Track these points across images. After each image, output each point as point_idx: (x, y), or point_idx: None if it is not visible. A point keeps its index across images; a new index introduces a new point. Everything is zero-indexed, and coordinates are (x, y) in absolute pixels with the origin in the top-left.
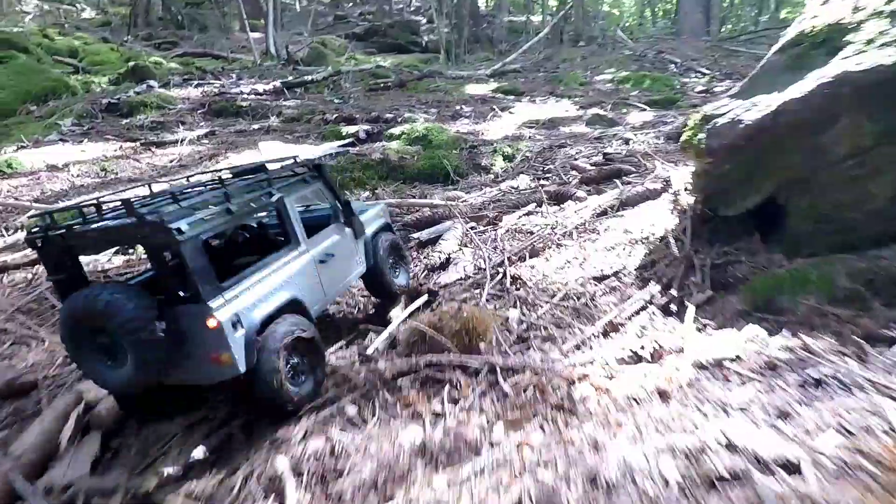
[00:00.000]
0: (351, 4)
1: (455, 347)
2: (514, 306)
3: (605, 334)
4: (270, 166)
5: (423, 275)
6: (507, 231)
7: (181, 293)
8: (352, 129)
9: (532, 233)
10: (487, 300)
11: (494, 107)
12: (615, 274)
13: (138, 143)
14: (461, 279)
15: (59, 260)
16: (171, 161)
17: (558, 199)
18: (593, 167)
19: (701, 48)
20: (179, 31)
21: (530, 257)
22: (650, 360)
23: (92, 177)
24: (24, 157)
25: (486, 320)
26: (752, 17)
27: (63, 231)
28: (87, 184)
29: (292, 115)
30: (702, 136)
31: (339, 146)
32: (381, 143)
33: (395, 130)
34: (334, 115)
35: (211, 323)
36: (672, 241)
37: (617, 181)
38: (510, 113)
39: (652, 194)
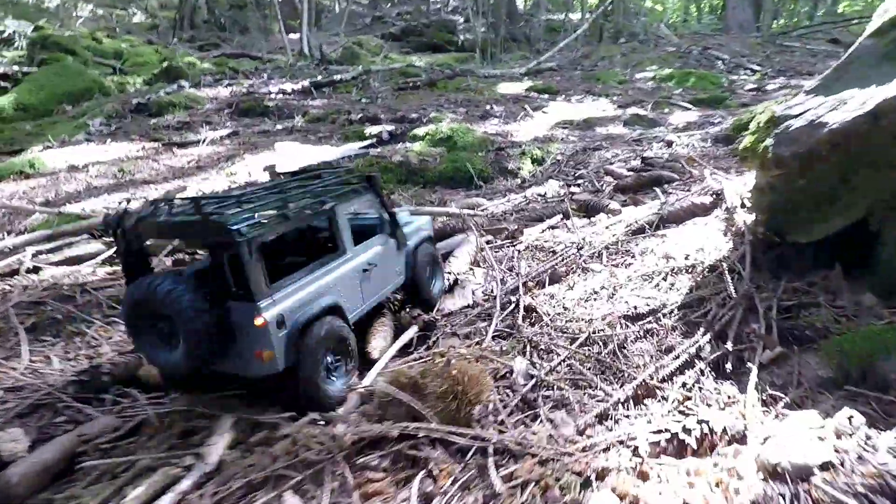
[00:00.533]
0: (389, 5)
1: (438, 415)
2: (524, 351)
3: (637, 400)
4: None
5: None
6: (527, 248)
7: (235, 290)
8: (375, 129)
9: (555, 252)
10: (493, 338)
11: (527, 106)
12: (652, 313)
13: (160, 144)
14: (468, 307)
15: (128, 246)
16: (189, 162)
17: (588, 210)
18: (630, 173)
19: (750, 44)
20: (222, 34)
21: (550, 283)
22: (697, 448)
23: (109, 178)
24: (49, 157)
25: (481, 381)
26: (807, 12)
27: (137, 219)
28: (102, 185)
29: (317, 115)
30: (769, 141)
31: (360, 147)
32: (404, 144)
33: (419, 131)
34: (359, 115)
35: (258, 321)
36: (726, 272)
37: (657, 190)
38: (543, 113)
39: (699, 210)
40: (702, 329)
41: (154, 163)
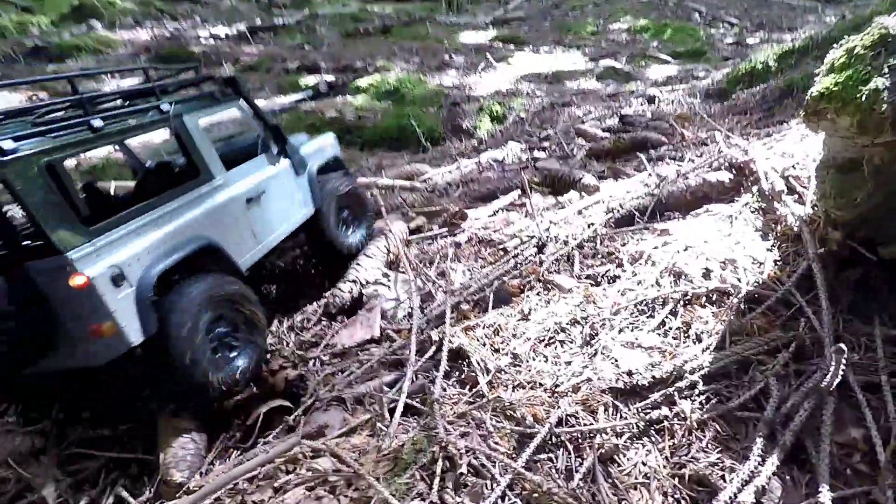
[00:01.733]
0: None
1: None
2: (434, 461)
3: None
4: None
5: (315, 323)
6: (470, 240)
7: (28, 243)
8: (312, 79)
9: (506, 250)
10: (401, 418)
11: (489, 56)
12: (659, 385)
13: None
14: (370, 341)
15: None
16: None
17: (555, 184)
18: (606, 134)
19: None
20: None
21: (495, 304)
22: None
23: None
24: None
25: None
26: None
27: None
28: None
29: (250, 64)
30: (880, 81)
31: (291, 101)
32: (344, 97)
33: (363, 82)
34: (296, 64)
35: (76, 281)
36: (780, 307)
37: (642, 157)
38: (508, 64)
39: (715, 191)
40: (759, 438)
41: None
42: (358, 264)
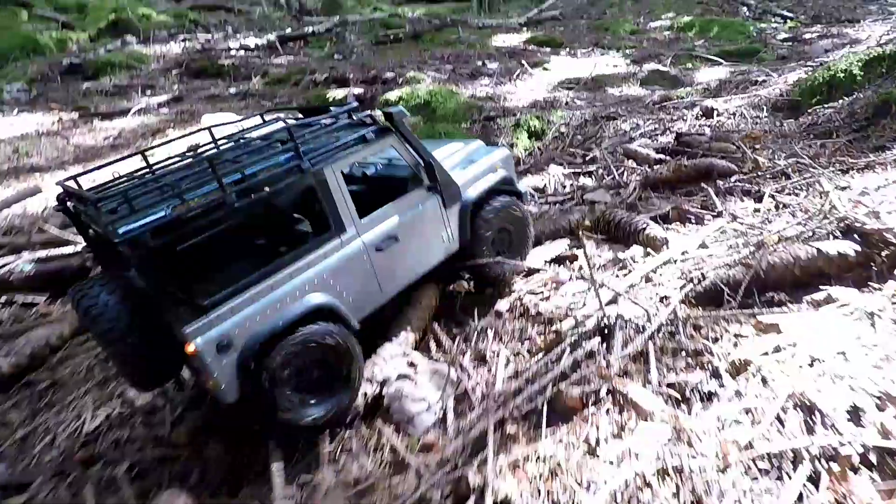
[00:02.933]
0: None
1: None
2: None
3: None
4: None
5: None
6: (512, 310)
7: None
8: (341, 92)
9: (559, 333)
10: None
11: (524, 63)
12: None
13: (79, 114)
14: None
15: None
16: (106, 139)
17: (611, 230)
18: (660, 156)
19: None
20: None
21: (549, 423)
22: None
23: None
24: None
25: None
26: None
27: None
28: None
29: (279, 76)
30: None
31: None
32: (373, 111)
33: (392, 95)
34: (325, 76)
35: (189, 349)
36: None
37: (711, 192)
38: (544, 69)
39: (833, 266)
40: None
41: (62, 140)
42: (377, 353)
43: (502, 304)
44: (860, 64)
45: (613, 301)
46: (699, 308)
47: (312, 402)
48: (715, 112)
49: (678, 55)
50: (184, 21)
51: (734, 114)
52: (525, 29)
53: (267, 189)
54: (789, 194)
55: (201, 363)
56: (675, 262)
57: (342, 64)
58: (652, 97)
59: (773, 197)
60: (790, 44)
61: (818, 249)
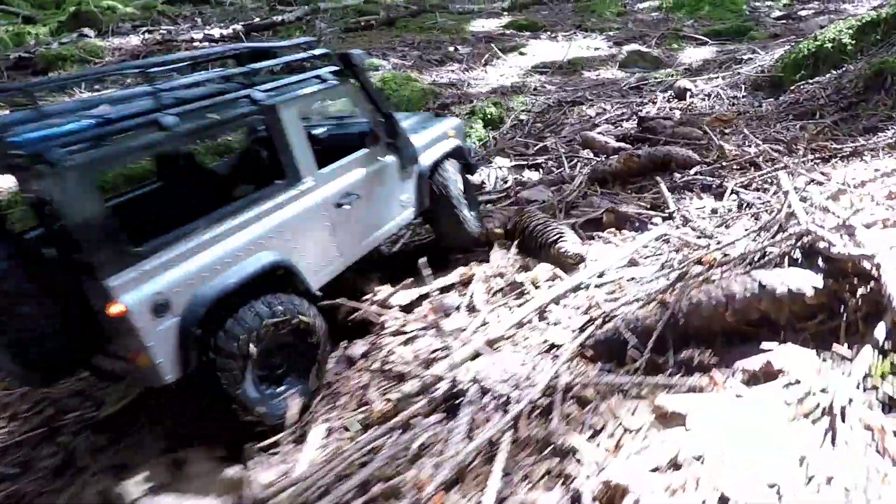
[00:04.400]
0: None
1: None
2: None
3: None
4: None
5: None
6: (367, 356)
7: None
8: None
9: (396, 406)
10: None
11: (494, 46)
12: None
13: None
14: None
15: None
16: None
17: (525, 239)
18: (619, 144)
19: None
20: None
21: None
22: None
23: None
24: None
25: None
26: None
27: None
28: None
29: None
30: None
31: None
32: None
33: None
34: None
35: (113, 310)
36: None
37: (663, 187)
38: (520, 54)
39: (781, 311)
40: None
41: None
42: None
43: (357, 348)
44: (851, 31)
45: (476, 357)
46: (594, 365)
47: (278, 391)
48: (688, 93)
49: (664, 36)
50: (151, 13)
51: (709, 94)
52: (506, 14)
53: (213, 116)
54: (757, 189)
55: (130, 329)
56: (587, 287)
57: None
58: (629, 80)
59: (736, 193)
60: (784, 21)
61: (760, 284)
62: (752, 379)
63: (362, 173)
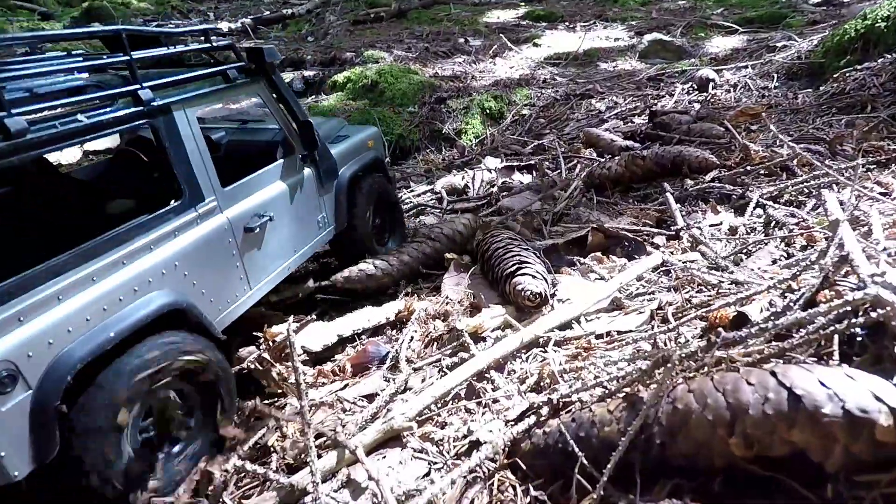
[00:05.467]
0: None
1: None
2: None
3: None
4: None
5: None
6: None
7: None
8: (288, 77)
9: None
10: None
11: (503, 37)
12: None
13: None
14: None
15: None
16: None
17: (484, 268)
18: (629, 142)
19: None
20: None
21: None
22: None
23: None
24: None
25: None
26: None
27: None
28: None
29: None
30: None
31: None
32: (318, 96)
33: (341, 77)
34: (279, 59)
35: None
36: None
37: (669, 198)
38: (535, 46)
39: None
40: None
41: None
42: None
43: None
44: None
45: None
46: (526, 486)
47: (176, 450)
48: (711, 84)
49: (690, 25)
50: (166, 7)
51: (735, 85)
52: (524, 4)
53: (81, 118)
54: (790, 203)
55: None
56: (545, 346)
57: (311, 45)
58: (648, 71)
59: (762, 207)
60: (824, 7)
61: (792, 392)
62: None
63: (275, 190)
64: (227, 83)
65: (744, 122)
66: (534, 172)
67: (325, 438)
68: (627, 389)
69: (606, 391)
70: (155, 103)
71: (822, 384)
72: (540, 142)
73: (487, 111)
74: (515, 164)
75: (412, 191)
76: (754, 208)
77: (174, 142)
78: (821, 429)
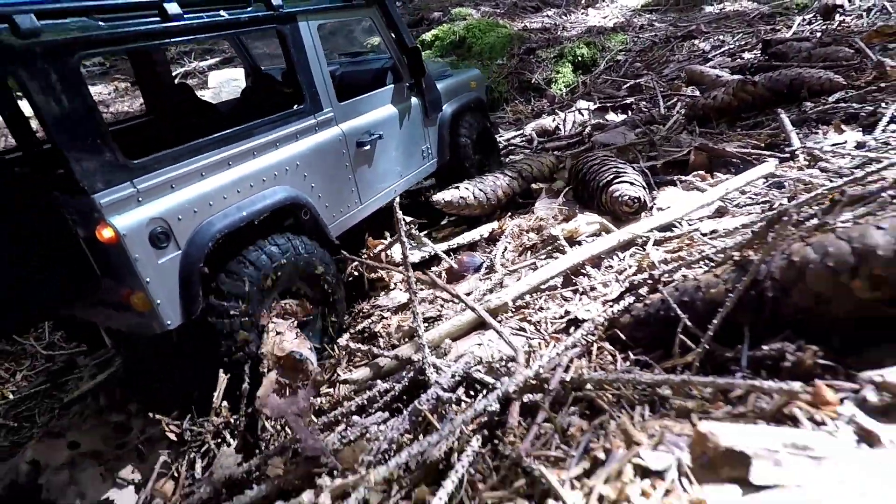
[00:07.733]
0: None
1: None
2: None
3: None
4: None
5: None
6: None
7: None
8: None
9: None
10: None
11: None
12: None
13: None
14: None
15: None
16: None
17: (578, 187)
18: (733, 77)
19: None
20: None
21: None
22: None
23: None
24: None
25: None
26: None
27: None
28: None
29: None
30: None
31: None
32: None
33: (428, 35)
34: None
35: (104, 233)
36: None
37: (784, 119)
38: None
39: None
40: None
41: None
42: None
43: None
44: None
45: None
46: (627, 353)
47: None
48: (837, 11)
49: None
50: None
51: (869, 9)
52: None
53: (223, 13)
54: None
55: (126, 259)
56: (643, 245)
57: (399, 7)
58: (761, 8)
59: None
60: None
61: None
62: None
63: (385, 112)
64: (345, 2)
65: (879, 42)
66: (629, 112)
67: (425, 323)
68: (736, 255)
69: (713, 264)
70: (283, 10)
71: None
72: (636, 81)
73: (579, 58)
74: (609, 104)
75: (501, 136)
76: (887, 123)
77: (298, 48)
78: None
